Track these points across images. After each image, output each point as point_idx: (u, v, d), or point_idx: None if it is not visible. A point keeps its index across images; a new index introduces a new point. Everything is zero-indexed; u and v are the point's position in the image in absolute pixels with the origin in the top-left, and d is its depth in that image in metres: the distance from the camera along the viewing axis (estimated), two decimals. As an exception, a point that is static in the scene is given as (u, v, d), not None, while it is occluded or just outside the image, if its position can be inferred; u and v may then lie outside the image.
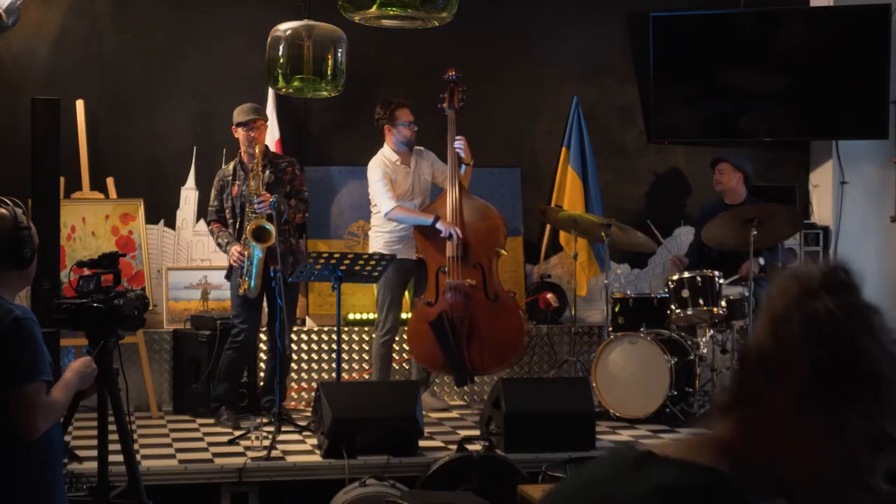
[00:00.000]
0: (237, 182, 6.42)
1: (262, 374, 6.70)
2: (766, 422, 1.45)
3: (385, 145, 6.78)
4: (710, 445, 1.47)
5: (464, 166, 6.74)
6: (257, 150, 6.30)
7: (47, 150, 5.95)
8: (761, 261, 6.81)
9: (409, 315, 6.89)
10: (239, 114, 6.42)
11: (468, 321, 6.64)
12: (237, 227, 6.41)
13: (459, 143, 6.67)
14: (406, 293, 6.94)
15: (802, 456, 1.43)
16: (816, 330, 1.43)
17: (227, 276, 6.53)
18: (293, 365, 7.08)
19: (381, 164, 6.70)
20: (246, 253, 6.27)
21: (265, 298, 6.45)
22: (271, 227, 6.16)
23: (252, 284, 6.24)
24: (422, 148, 6.86)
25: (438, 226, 6.59)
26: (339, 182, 7.53)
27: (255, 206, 6.23)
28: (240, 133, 6.41)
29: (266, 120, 6.55)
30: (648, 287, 7.88)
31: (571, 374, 7.04)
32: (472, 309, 6.65)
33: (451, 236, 6.59)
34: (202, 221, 7.25)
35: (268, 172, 6.36)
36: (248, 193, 6.31)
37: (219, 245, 6.54)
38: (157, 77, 7.40)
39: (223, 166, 6.63)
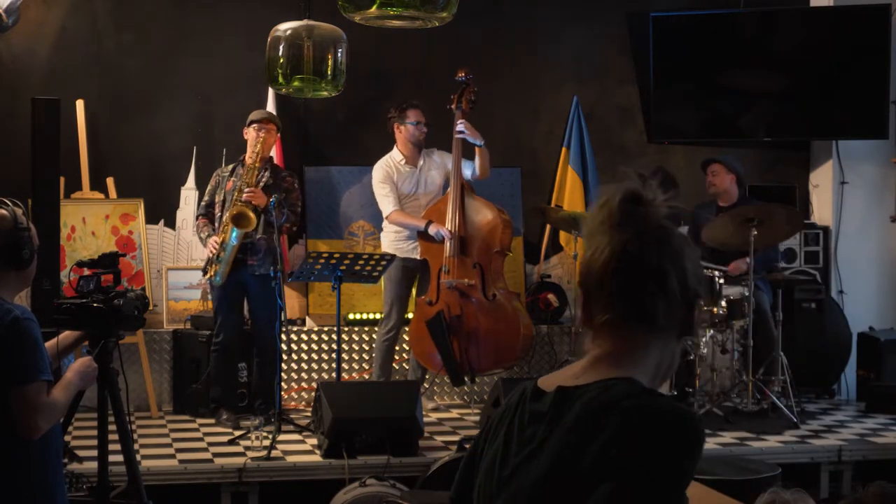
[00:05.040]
0: (233, 178, 6.42)
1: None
2: (600, 337, 1.71)
3: (395, 146, 6.83)
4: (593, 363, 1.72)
5: (477, 147, 6.70)
6: (259, 147, 6.30)
7: (47, 150, 5.96)
8: (748, 260, 6.84)
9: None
10: (254, 114, 6.47)
11: (465, 321, 6.64)
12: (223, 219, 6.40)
13: (461, 127, 6.66)
14: (413, 291, 6.96)
15: (638, 360, 1.70)
16: (621, 259, 1.67)
17: (204, 272, 6.48)
18: (293, 365, 7.09)
19: (385, 165, 6.78)
20: (221, 239, 6.25)
21: (245, 298, 6.45)
22: (250, 213, 6.14)
23: (220, 270, 6.23)
24: (434, 149, 6.87)
25: (430, 230, 6.61)
26: (339, 182, 7.53)
27: (245, 193, 6.21)
28: (250, 132, 6.40)
29: (278, 128, 6.53)
30: (648, 287, 7.87)
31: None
32: (470, 309, 6.66)
33: (441, 238, 6.60)
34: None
35: (267, 174, 6.35)
36: (240, 183, 6.29)
37: (200, 239, 6.53)
38: (157, 77, 7.40)
39: (223, 166, 6.64)
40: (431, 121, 6.84)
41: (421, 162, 6.83)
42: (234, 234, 6.20)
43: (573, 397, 1.65)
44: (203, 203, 6.58)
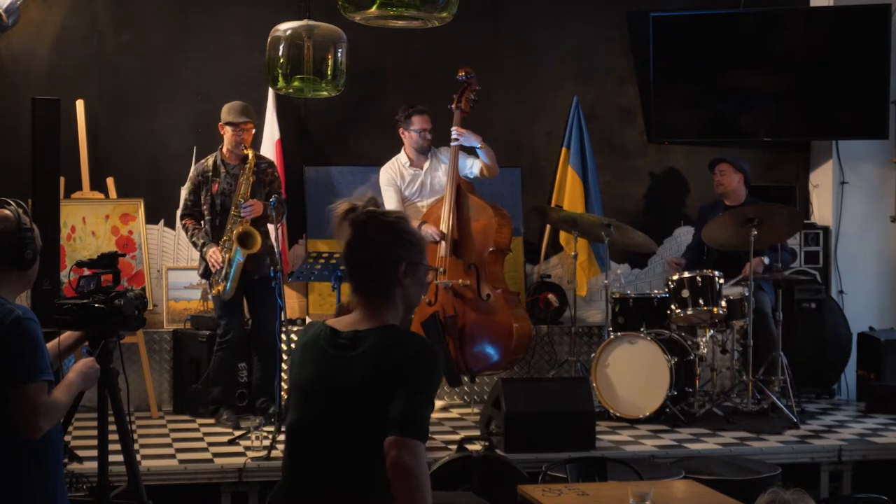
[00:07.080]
0: (217, 179, 6.40)
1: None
2: (362, 300, 2.69)
3: (403, 148, 6.82)
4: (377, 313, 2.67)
5: (479, 150, 6.67)
6: (250, 155, 6.29)
7: (47, 150, 5.96)
8: (766, 260, 6.82)
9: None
10: (229, 113, 6.37)
11: (460, 321, 6.62)
12: (216, 224, 6.36)
13: (455, 134, 6.65)
14: None
15: (389, 310, 2.67)
16: (353, 250, 2.66)
17: (204, 276, 6.51)
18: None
19: (390, 168, 6.78)
20: (227, 256, 6.25)
21: (244, 298, 6.46)
22: (257, 235, 6.17)
23: (228, 287, 6.25)
24: (442, 147, 6.82)
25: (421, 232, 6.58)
26: (339, 182, 7.53)
27: (242, 210, 6.22)
28: (227, 131, 6.38)
29: (255, 122, 6.52)
30: (648, 287, 7.88)
31: (571, 374, 7.04)
32: (464, 309, 6.64)
33: (433, 239, 6.58)
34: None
35: (252, 177, 6.30)
36: (233, 196, 6.28)
37: (193, 243, 6.48)
38: (157, 77, 7.40)
39: (203, 160, 6.54)
40: (434, 121, 6.81)
41: (427, 164, 6.81)
42: (238, 251, 6.21)
43: (363, 336, 2.61)
44: (188, 202, 6.47)
